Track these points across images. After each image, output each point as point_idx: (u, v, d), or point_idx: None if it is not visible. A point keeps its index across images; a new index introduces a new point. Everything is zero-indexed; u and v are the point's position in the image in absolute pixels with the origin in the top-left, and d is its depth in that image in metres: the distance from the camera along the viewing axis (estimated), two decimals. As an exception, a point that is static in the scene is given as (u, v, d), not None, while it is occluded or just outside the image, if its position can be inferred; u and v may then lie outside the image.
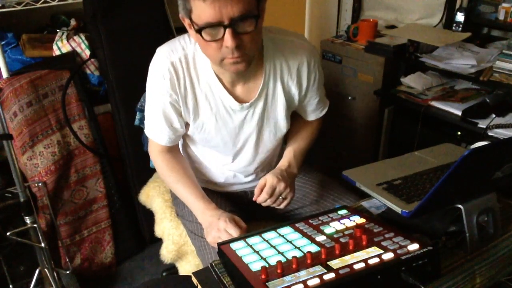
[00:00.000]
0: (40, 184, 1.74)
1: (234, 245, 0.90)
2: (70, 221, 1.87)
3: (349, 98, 2.30)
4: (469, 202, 0.90)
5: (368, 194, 1.07)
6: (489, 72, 1.80)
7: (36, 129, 1.73)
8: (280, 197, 1.14)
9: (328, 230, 0.93)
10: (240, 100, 1.15)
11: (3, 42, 1.82)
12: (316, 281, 0.74)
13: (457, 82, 2.01)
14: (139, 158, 1.88)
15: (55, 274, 1.68)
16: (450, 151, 1.27)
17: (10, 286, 1.76)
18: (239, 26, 0.94)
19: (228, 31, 0.93)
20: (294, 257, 0.81)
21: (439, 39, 1.99)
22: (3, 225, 1.74)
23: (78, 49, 1.90)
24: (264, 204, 1.13)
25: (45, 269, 1.67)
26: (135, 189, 1.92)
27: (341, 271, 0.76)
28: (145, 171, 1.61)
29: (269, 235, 0.93)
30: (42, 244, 1.61)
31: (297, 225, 0.97)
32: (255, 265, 0.82)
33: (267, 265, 0.81)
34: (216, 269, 0.90)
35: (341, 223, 0.95)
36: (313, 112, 1.31)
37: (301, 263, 0.80)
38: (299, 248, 0.86)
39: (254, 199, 1.12)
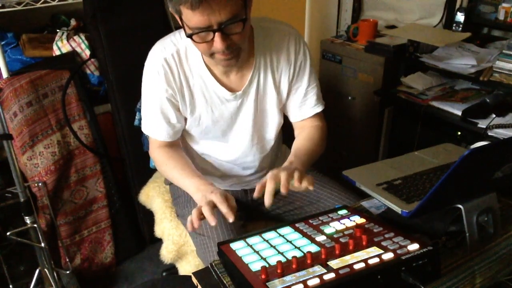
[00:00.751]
0: (40, 184, 1.74)
1: (234, 245, 0.90)
2: (70, 221, 1.87)
3: (349, 98, 2.30)
4: (469, 202, 0.90)
5: (368, 194, 1.07)
6: (489, 72, 1.80)
7: (36, 129, 1.73)
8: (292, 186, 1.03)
9: (328, 230, 0.93)
10: (233, 90, 1.18)
11: (3, 42, 1.82)
12: (316, 281, 0.74)
13: (457, 82, 2.01)
14: (139, 158, 1.88)
15: (55, 274, 1.68)
16: (450, 151, 1.27)
17: (10, 286, 1.75)
18: (228, 29, 0.98)
19: (217, 34, 0.97)
20: (294, 257, 0.81)
21: (439, 39, 1.99)
22: (3, 225, 1.74)
23: (78, 49, 1.90)
24: (283, 190, 0.98)
25: (45, 269, 1.67)
26: (135, 189, 1.92)
27: (341, 271, 0.76)
28: (145, 171, 1.61)
29: (269, 235, 0.93)
30: (42, 244, 1.61)
31: (297, 225, 0.97)
32: (255, 265, 0.82)
33: (267, 265, 0.81)
34: (216, 269, 0.90)
35: (341, 223, 0.95)
36: (306, 105, 1.26)
37: (301, 263, 0.80)
38: (299, 248, 0.86)
39: (254, 195, 1.08)
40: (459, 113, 1.75)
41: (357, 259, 0.80)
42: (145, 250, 2.14)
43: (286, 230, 0.95)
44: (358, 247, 0.84)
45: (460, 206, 0.90)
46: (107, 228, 1.98)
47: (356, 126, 2.33)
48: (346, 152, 2.44)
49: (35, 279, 1.67)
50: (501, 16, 1.95)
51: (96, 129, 1.90)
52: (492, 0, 1.99)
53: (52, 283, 1.66)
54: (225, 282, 0.86)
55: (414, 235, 0.90)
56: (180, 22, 1.03)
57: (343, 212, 1.02)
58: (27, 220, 1.55)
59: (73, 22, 1.99)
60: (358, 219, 0.97)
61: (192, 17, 0.95)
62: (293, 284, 0.74)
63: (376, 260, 0.79)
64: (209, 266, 0.92)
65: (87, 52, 1.89)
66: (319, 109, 1.29)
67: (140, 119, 1.46)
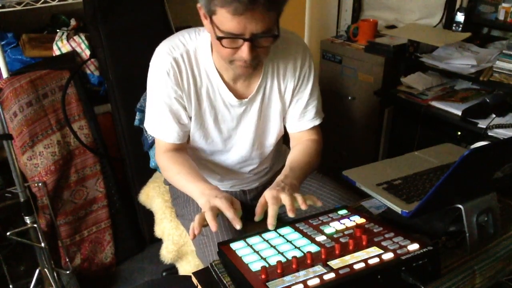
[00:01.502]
0: (40, 184, 1.74)
1: (234, 245, 0.90)
2: (70, 221, 1.87)
3: (349, 98, 2.30)
4: (469, 202, 0.90)
5: (368, 194, 1.06)
6: (489, 72, 1.80)
7: (36, 129, 1.73)
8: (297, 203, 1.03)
9: (328, 230, 0.93)
10: (239, 96, 1.18)
11: (3, 42, 1.82)
12: (316, 281, 0.74)
13: (457, 82, 2.01)
14: (139, 158, 1.88)
15: (55, 274, 1.68)
16: (450, 151, 1.27)
17: (10, 286, 1.75)
18: (258, 41, 0.98)
19: (246, 44, 0.97)
20: (294, 257, 0.81)
21: (439, 39, 1.99)
22: (3, 225, 1.74)
23: (78, 49, 1.90)
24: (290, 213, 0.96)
25: (45, 269, 1.67)
26: (135, 189, 1.92)
27: (341, 271, 0.76)
28: (145, 171, 1.61)
29: (269, 235, 0.93)
30: (42, 244, 1.61)
31: (297, 225, 0.97)
32: (255, 265, 0.82)
33: (267, 265, 0.81)
34: (216, 269, 0.90)
35: (341, 223, 0.95)
36: (304, 118, 1.26)
37: (301, 263, 0.80)
38: (299, 248, 0.86)
39: (256, 219, 1.01)
40: (459, 113, 1.75)
41: (357, 259, 0.80)
42: (145, 250, 2.14)
43: (286, 230, 0.95)
44: (358, 247, 0.84)
45: (460, 206, 0.90)
46: (107, 228, 1.98)
47: (356, 126, 2.33)
48: (346, 152, 2.44)
49: (35, 279, 1.67)
50: (501, 16, 1.95)
51: (96, 129, 1.90)
52: (492, 0, 1.99)
53: (52, 283, 1.66)
54: (225, 282, 0.86)
55: (414, 235, 0.90)
56: (206, 22, 1.01)
57: (343, 212, 1.02)
58: (27, 220, 1.55)
59: (73, 22, 1.99)
60: (358, 219, 0.97)
61: (228, 22, 0.94)
62: (293, 284, 0.74)
63: (376, 260, 0.79)
64: (209, 266, 0.92)
65: (87, 52, 1.89)
66: (317, 122, 1.27)
67: (140, 119, 1.46)
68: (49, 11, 1.98)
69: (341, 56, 2.28)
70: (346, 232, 0.91)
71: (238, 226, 0.93)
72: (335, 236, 0.90)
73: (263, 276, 0.77)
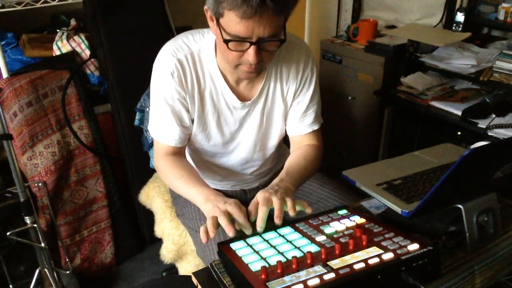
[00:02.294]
0: (40, 184, 1.74)
1: (234, 245, 0.90)
2: (70, 221, 1.87)
3: (349, 98, 2.30)
4: (469, 202, 0.90)
5: (368, 194, 1.07)
6: (489, 72, 1.80)
7: (36, 129, 1.73)
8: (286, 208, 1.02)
9: (328, 230, 0.93)
10: (242, 98, 1.17)
11: (3, 42, 1.82)
12: (316, 281, 0.74)
13: (457, 82, 2.01)
14: (139, 158, 1.88)
15: (55, 274, 1.68)
16: (450, 151, 1.27)
17: (10, 286, 1.75)
18: (265, 45, 0.99)
19: (253, 47, 0.97)
20: (294, 257, 0.81)
21: (439, 39, 1.99)
22: (3, 225, 1.74)
23: (78, 49, 1.90)
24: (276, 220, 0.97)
25: (45, 269, 1.67)
26: (135, 189, 1.92)
27: (341, 271, 0.76)
28: (145, 171, 1.61)
29: (269, 235, 0.93)
30: (42, 244, 1.61)
31: (297, 225, 0.97)
32: (255, 265, 0.82)
33: (267, 265, 0.81)
34: (216, 269, 0.90)
35: (341, 223, 0.95)
36: (304, 122, 1.25)
37: (301, 263, 0.80)
38: (299, 248, 0.86)
39: (251, 219, 1.00)
40: (459, 113, 1.75)
41: (357, 259, 0.80)
42: (145, 250, 2.14)
43: (286, 230, 0.95)
44: (358, 247, 0.84)
45: (460, 206, 0.90)
46: (107, 228, 1.98)
47: (356, 126, 2.33)
48: (346, 152, 2.44)
49: (35, 279, 1.67)
50: (501, 16, 1.95)
51: (96, 129, 1.90)
52: (492, 0, 1.99)
53: (52, 283, 1.66)
54: (225, 282, 0.86)
55: (414, 235, 0.90)
56: (212, 24, 1.01)
57: (343, 212, 1.02)
58: (27, 220, 1.55)
59: (73, 22, 1.99)
60: (358, 219, 0.97)
61: (236, 25, 0.94)
62: (293, 284, 0.74)
63: (376, 260, 0.79)
64: (209, 266, 0.92)
65: (87, 52, 1.89)
66: (315, 127, 1.27)
67: (140, 119, 1.46)
68: (49, 11, 1.98)
69: (341, 56, 2.28)
70: (346, 232, 0.91)
71: (248, 232, 0.94)
72: (335, 236, 0.90)
73: (263, 276, 0.77)
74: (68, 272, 1.83)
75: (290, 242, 0.89)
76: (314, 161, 1.22)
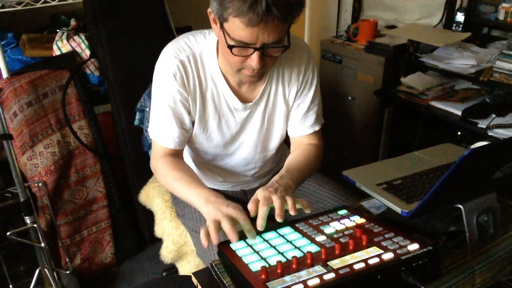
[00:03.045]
0: (40, 184, 1.74)
1: (234, 245, 0.90)
2: (70, 221, 1.87)
3: (349, 98, 2.30)
4: (469, 202, 0.90)
5: (368, 194, 1.07)
6: (489, 72, 1.80)
7: (36, 129, 1.73)
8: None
9: (328, 230, 0.93)
10: (244, 100, 1.18)
11: (3, 42, 1.82)
12: (316, 281, 0.74)
13: (457, 82, 2.01)
14: (139, 158, 1.88)
15: (55, 274, 1.68)
16: (450, 151, 1.27)
17: (10, 286, 1.76)
18: (268, 51, 0.99)
19: (256, 53, 0.98)
20: (294, 257, 0.81)
21: (439, 39, 1.99)
22: (3, 225, 1.74)
23: (78, 49, 1.90)
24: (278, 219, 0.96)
25: (45, 269, 1.67)
26: (135, 189, 1.92)
27: (341, 271, 0.76)
28: (145, 171, 1.61)
29: (269, 235, 0.93)
30: (42, 244, 1.61)
31: (297, 225, 0.97)
32: (255, 265, 0.82)
33: (267, 265, 0.81)
34: (216, 269, 0.90)
35: (341, 223, 0.95)
36: (305, 123, 1.25)
37: (301, 263, 0.80)
38: (299, 248, 0.86)
39: (251, 215, 0.99)
40: (459, 113, 1.75)
41: (357, 259, 0.80)
42: (145, 250, 2.14)
43: (286, 230, 0.95)
44: (358, 247, 0.84)
45: (460, 206, 0.90)
46: (107, 228, 1.98)
47: (356, 126, 2.33)
48: (346, 152, 2.44)
49: (35, 279, 1.67)
50: (501, 16, 1.95)
51: (96, 129, 1.90)
52: (492, 0, 1.99)
53: (52, 283, 1.66)
54: (225, 282, 0.86)
55: (414, 235, 0.90)
56: (216, 27, 1.01)
57: (343, 212, 1.02)
58: (27, 220, 1.55)
59: (73, 22, 1.99)
60: (358, 219, 0.97)
61: (241, 31, 0.94)
62: (293, 284, 0.74)
63: (376, 260, 0.79)
64: (209, 266, 0.92)
65: (87, 52, 1.89)
66: (317, 128, 1.27)
67: (140, 119, 1.46)
68: (49, 11, 1.98)
69: (341, 56, 2.28)
70: (346, 232, 0.91)
71: (252, 238, 0.92)
72: (335, 236, 0.90)
73: (263, 276, 0.77)
74: (68, 272, 1.83)
75: (290, 242, 0.89)
76: (315, 159, 1.23)
